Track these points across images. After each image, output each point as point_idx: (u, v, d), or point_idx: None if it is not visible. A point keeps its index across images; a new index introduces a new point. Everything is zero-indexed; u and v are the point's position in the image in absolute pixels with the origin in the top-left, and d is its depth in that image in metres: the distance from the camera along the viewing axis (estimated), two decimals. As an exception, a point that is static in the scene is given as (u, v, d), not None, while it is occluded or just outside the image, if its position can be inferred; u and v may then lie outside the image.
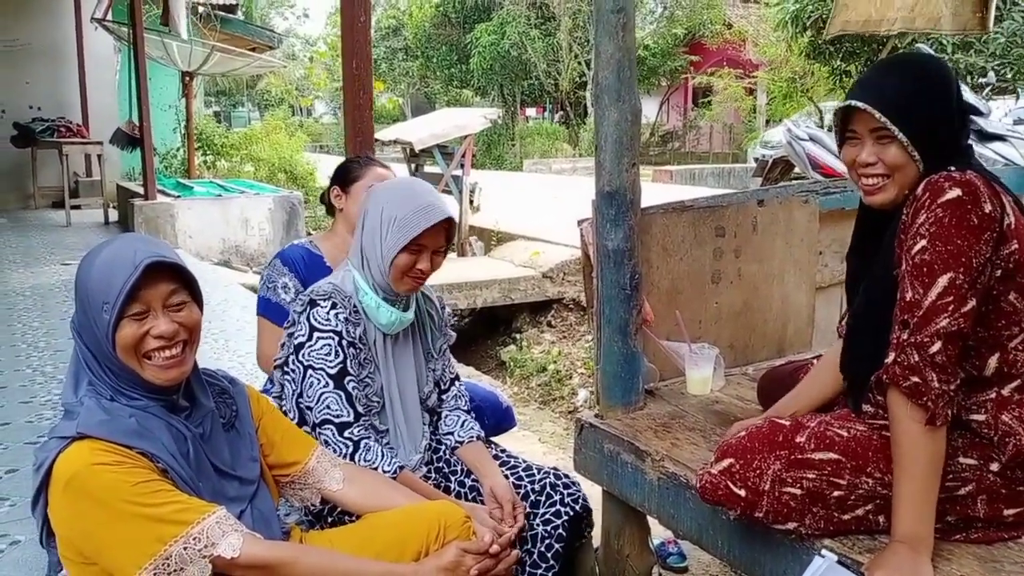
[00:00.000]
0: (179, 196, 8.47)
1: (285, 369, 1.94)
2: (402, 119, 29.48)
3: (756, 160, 7.02)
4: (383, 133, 9.89)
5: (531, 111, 28.05)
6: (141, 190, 8.61)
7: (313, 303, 1.90)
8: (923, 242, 1.46)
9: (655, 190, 12.20)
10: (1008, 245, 1.47)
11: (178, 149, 12.08)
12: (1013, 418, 1.51)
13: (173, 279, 1.42)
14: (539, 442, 3.77)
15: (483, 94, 28.03)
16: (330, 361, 1.86)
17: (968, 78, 8.73)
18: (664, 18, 24.25)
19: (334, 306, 1.89)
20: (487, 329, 7.69)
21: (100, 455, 1.31)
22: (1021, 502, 1.54)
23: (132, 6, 7.99)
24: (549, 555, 1.93)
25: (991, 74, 6.39)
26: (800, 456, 1.56)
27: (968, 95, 4.86)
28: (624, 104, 2.14)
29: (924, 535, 1.43)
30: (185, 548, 1.31)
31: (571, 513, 2.00)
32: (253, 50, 12.74)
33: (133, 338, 1.38)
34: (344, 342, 1.88)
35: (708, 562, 2.59)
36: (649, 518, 2.17)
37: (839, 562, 1.44)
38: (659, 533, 2.45)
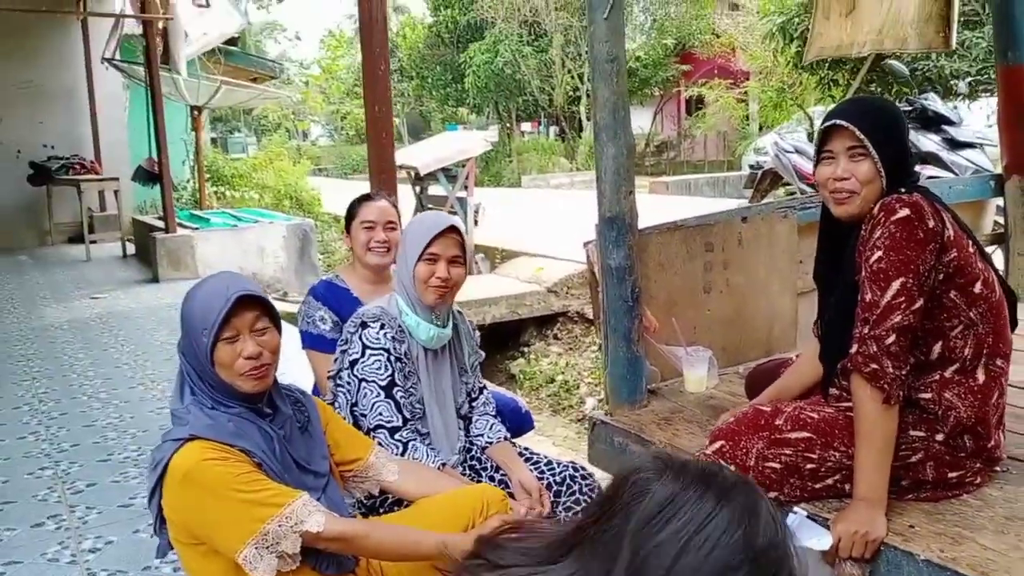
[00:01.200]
0: (197, 228, 8.77)
1: (339, 382, 2.25)
2: (399, 140, 29.82)
3: (751, 167, 7.35)
4: (388, 158, 10.18)
5: (526, 126, 28.30)
6: (156, 223, 8.87)
7: (364, 324, 2.20)
8: (879, 253, 1.78)
9: (653, 202, 12.46)
10: (948, 253, 1.80)
11: (188, 181, 12.40)
12: (953, 395, 1.82)
13: (258, 308, 1.74)
14: (553, 445, 4.06)
15: (479, 112, 28.32)
16: (381, 374, 2.17)
17: (952, 82, 9.05)
18: (654, 28, 24.57)
19: (382, 327, 2.19)
20: (496, 344, 7.93)
21: (209, 452, 1.61)
22: (962, 466, 1.85)
23: (147, 47, 8.35)
24: (571, 535, 2.23)
25: (962, 85, 6.76)
26: (779, 436, 1.87)
27: (938, 105, 5.18)
28: (620, 140, 2.46)
29: (880, 494, 1.73)
30: (280, 526, 1.60)
31: (588, 500, 2.28)
32: (255, 80, 13.12)
33: (227, 358, 1.70)
34: (392, 357, 2.18)
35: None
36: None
37: (809, 517, 1.75)
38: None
